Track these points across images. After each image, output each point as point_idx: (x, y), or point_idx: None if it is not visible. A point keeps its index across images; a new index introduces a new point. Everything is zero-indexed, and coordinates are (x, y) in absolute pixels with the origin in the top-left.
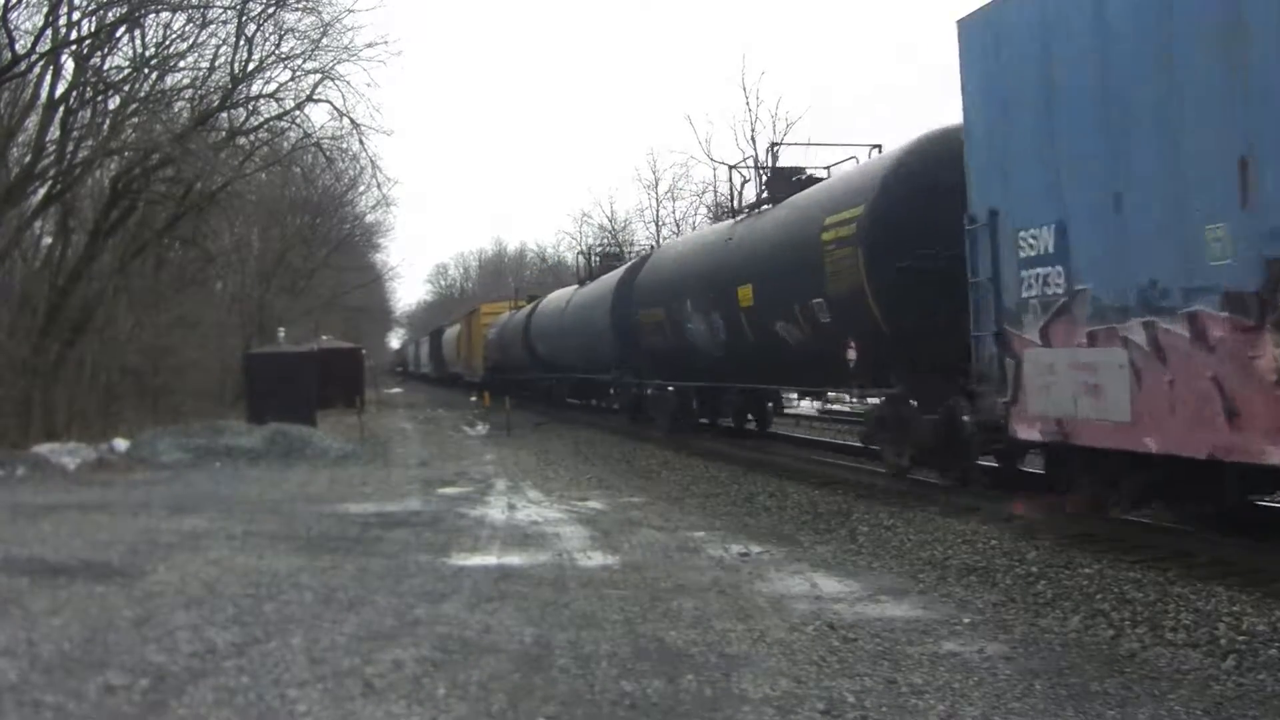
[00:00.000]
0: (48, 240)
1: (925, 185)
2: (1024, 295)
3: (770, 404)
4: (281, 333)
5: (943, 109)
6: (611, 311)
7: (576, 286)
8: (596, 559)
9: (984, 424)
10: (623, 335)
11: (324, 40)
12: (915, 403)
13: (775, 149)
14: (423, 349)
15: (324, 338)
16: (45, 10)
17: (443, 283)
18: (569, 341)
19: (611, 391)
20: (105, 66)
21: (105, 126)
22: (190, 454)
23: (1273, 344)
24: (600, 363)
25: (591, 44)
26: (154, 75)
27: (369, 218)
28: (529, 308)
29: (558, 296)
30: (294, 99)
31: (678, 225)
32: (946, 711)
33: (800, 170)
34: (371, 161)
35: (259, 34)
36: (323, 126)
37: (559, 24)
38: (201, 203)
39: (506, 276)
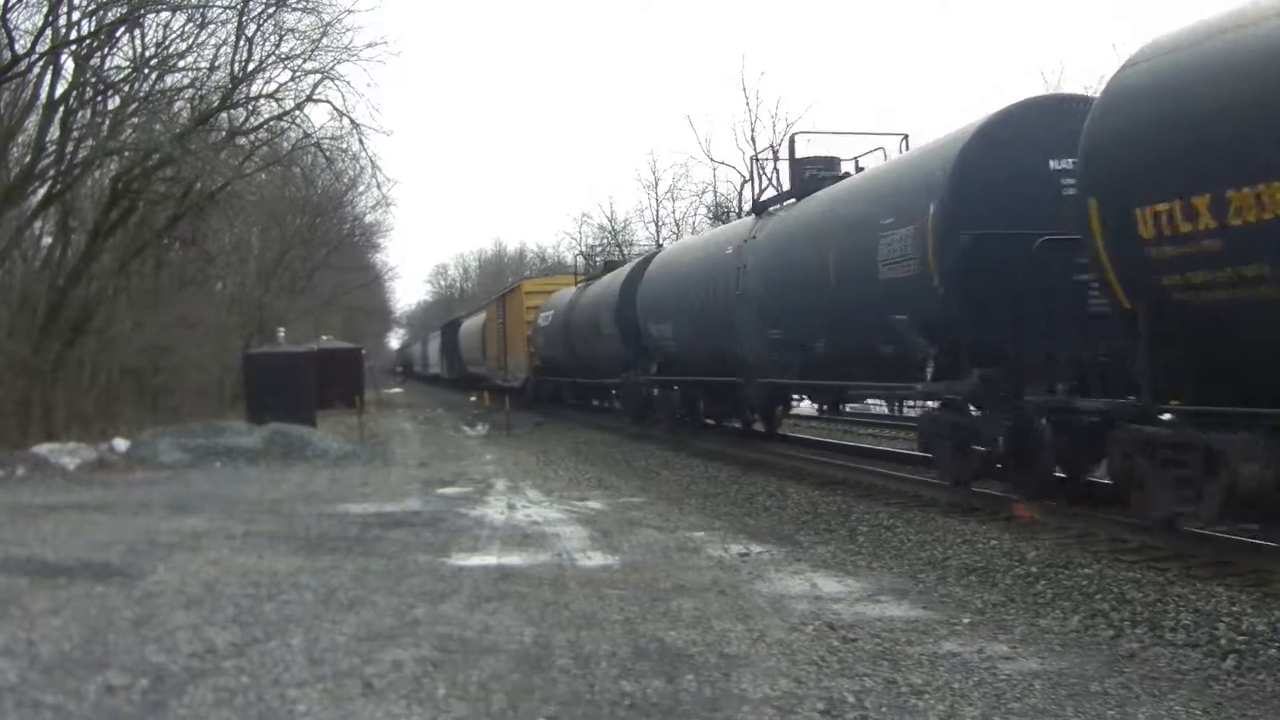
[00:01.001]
0: (48, 240)
1: None
2: None
3: None
4: (281, 333)
5: (942, 108)
6: (940, 238)
7: (752, 217)
8: (596, 559)
9: None
10: (967, 289)
11: (324, 40)
12: None
13: None
14: (431, 346)
15: (324, 338)
16: (45, 10)
17: (443, 283)
18: (747, 314)
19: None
20: (105, 66)
21: (105, 126)
22: (190, 454)
23: None
24: (866, 355)
25: (591, 44)
26: (154, 75)
27: (369, 218)
28: (624, 272)
29: (699, 244)
30: (294, 99)
31: (678, 225)
32: (946, 711)
33: None
34: (371, 161)
35: (259, 34)
36: (322, 126)
37: (559, 24)
38: (201, 203)
39: (506, 276)
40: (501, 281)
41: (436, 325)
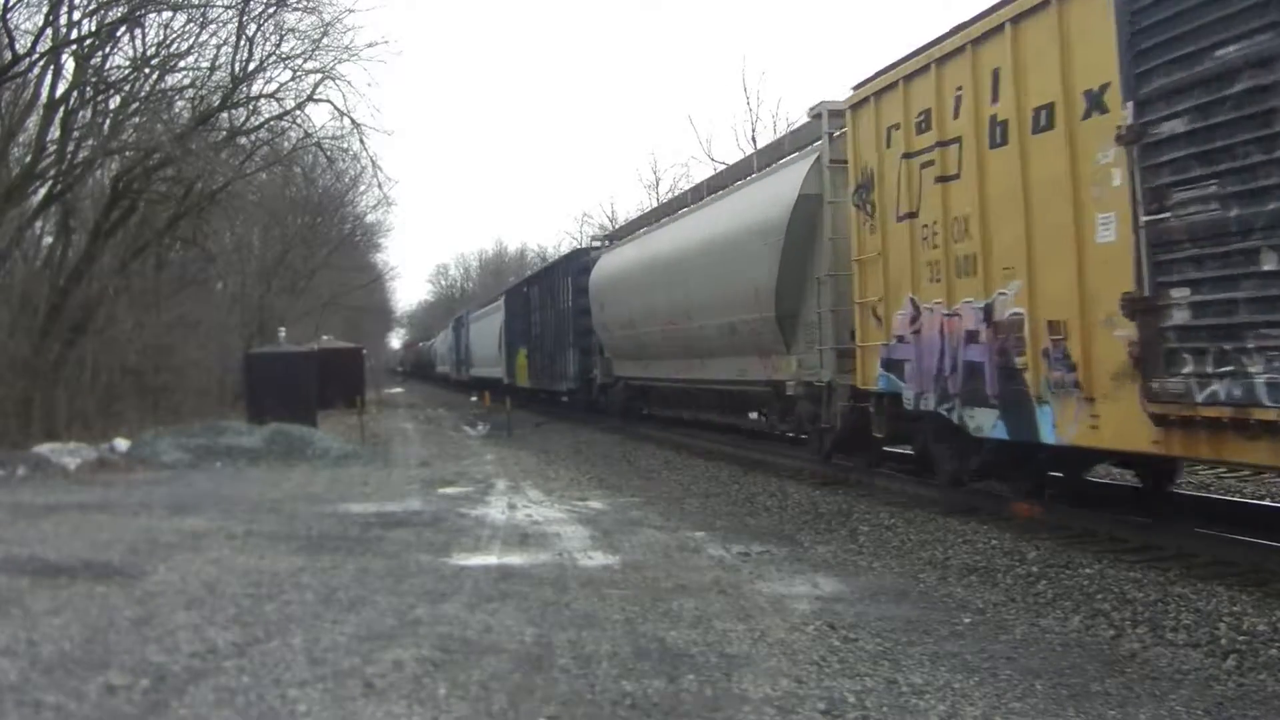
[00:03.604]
0: (48, 240)
1: None
2: None
3: None
4: (282, 333)
5: None
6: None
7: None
8: (597, 559)
9: None
10: None
11: (324, 40)
12: None
13: None
14: (480, 330)
15: (324, 338)
16: (45, 10)
17: (443, 283)
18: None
19: None
20: (105, 66)
21: (105, 126)
22: (190, 454)
23: None
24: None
25: (593, 45)
26: (154, 75)
27: (369, 217)
28: None
29: None
30: (295, 99)
31: None
32: (947, 711)
33: None
34: (372, 161)
35: (259, 34)
36: (323, 126)
37: (560, 24)
38: (202, 203)
39: (507, 276)
40: (502, 281)
41: (505, 286)
